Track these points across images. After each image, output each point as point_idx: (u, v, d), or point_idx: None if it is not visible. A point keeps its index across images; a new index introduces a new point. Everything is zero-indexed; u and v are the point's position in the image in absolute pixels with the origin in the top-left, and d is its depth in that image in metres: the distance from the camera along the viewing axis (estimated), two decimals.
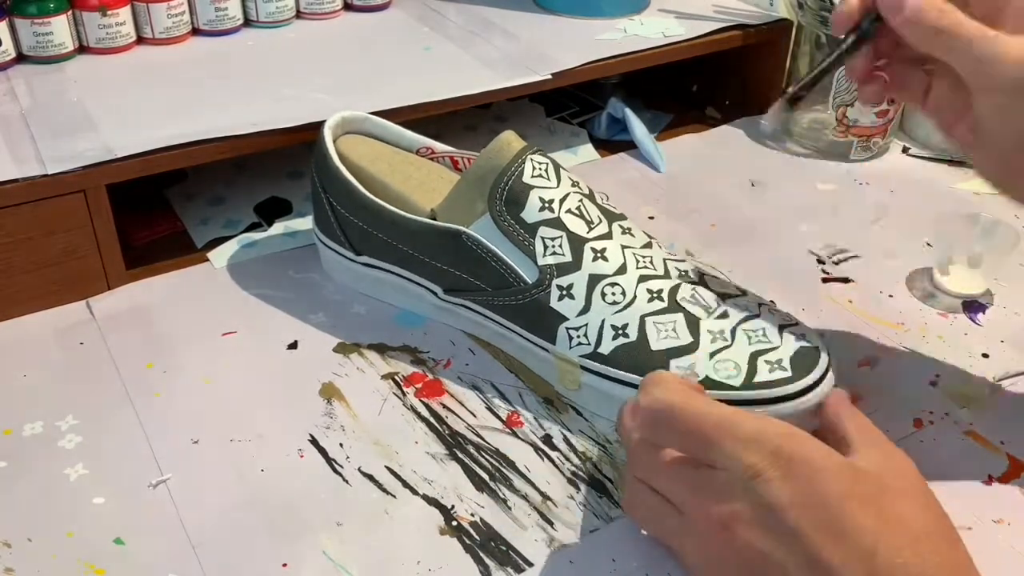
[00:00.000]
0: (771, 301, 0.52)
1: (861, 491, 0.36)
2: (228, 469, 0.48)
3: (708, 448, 0.37)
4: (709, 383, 0.47)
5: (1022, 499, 0.47)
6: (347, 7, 0.80)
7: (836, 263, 0.64)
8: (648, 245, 0.52)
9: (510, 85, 0.68)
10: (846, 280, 0.62)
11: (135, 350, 0.55)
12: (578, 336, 0.50)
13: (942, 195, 0.72)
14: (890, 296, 0.61)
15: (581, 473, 0.48)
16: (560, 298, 0.50)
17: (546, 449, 0.50)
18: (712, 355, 0.48)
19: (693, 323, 0.49)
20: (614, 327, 0.49)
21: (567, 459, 0.49)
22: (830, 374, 0.48)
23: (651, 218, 0.69)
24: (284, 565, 0.43)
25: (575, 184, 0.53)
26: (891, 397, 0.53)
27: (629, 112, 0.78)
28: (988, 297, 0.61)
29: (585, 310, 0.50)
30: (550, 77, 0.69)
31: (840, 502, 0.35)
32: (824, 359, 0.48)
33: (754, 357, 0.47)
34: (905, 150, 0.78)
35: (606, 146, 0.79)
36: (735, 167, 0.76)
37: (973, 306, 0.60)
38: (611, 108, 0.80)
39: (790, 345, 0.48)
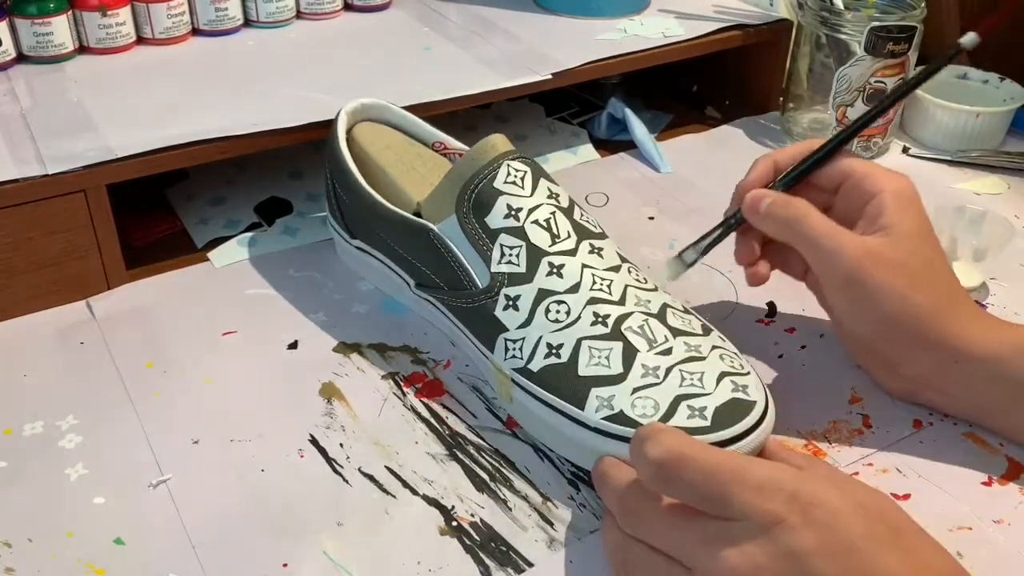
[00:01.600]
0: (735, 351, 0.49)
1: (880, 532, 0.35)
2: (228, 469, 0.48)
3: (723, 499, 0.36)
4: (622, 419, 0.45)
5: (1022, 500, 0.47)
6: (347, 7, 0.80)
7: None
8: (615, 269, 0.50)
9: (510, 85, 0.68)
10: None
11: (135, 350, 0.55)
12: (514, 349, 0.49)
13: (942, 195, 0.72)
14: None
15: (581, 473, 0.48)
16: (505, 308, 0.49)
17: (546, 450, 0.50)
18: (636, 390, 0.45)
19: (630, 354, 0.47)
20: (549, 345, 0.48)
21: (567, 460, 0.49)
22: (756, 433, 0.44)
23: (651, 218, 0.69)
24: (284, 565, 0.43)
25: (553, 196, 0.51)
26: (891, 398, 0.53)
27: (629, 112, 0.78)
28: (984, 291, 0.61)
29: (526, 324, 0.49)
30: (550, 77, 0.69)
31: (863, 545, 0.34)
32: (755, 417, 0.45)
33: (678, 400, 0.45)
34: (905, 150, 0.78)
35: (606, 146, 0.79)
36: (735, 167, 0.75)
37: None
38: (611, 108, 0.80)
39: (723, 395, 0.45)
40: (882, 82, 0.72)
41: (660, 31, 0.76)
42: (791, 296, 0.61)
